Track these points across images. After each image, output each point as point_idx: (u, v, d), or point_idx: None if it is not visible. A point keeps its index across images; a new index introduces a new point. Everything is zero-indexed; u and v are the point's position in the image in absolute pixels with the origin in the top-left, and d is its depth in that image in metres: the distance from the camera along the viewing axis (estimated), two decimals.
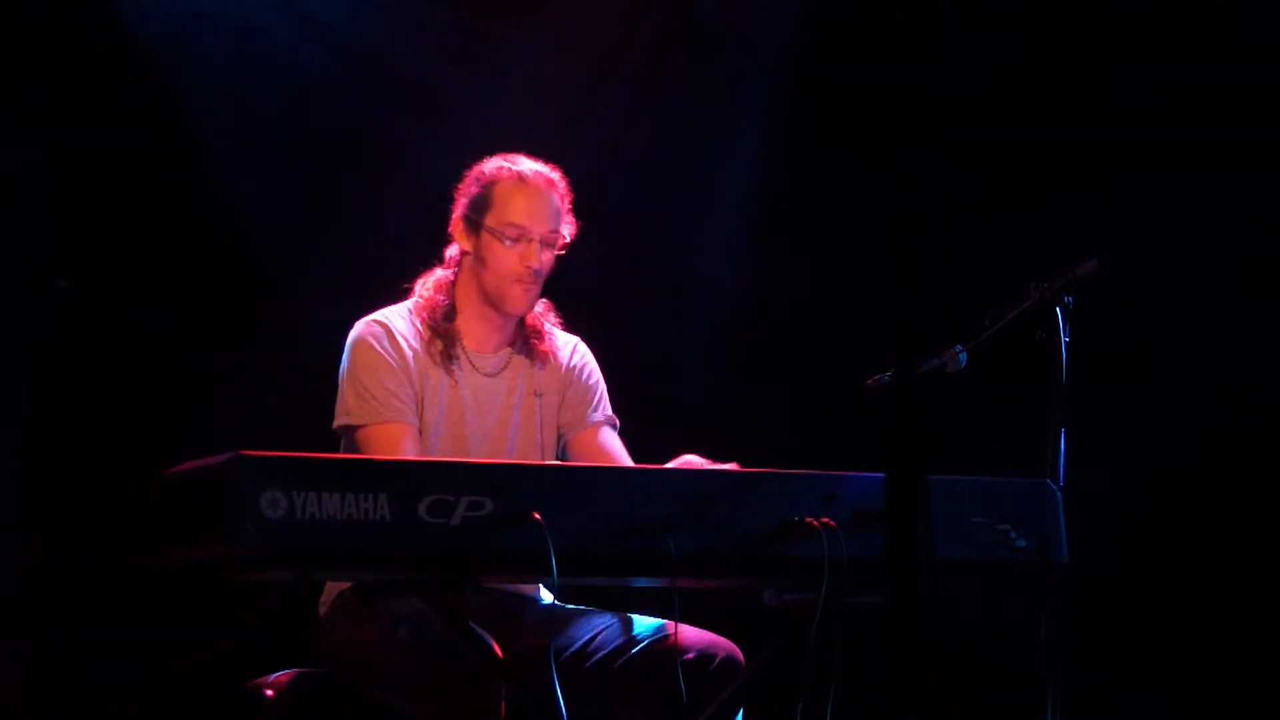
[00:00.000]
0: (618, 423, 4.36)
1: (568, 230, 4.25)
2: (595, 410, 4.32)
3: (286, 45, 5.60)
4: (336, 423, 4.17)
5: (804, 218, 5.89)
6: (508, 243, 4.18)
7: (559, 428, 4.31)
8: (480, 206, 4.21)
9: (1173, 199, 5.56)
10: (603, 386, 4.36)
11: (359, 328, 4.21)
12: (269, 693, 3.98)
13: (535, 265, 4.17)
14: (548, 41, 5.77)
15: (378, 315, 4.23)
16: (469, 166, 4.28)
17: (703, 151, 5.94)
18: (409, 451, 4.07)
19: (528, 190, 4.20)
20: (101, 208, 5.44)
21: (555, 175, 4.25)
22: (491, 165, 4.25)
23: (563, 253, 4.25)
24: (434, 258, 4.33)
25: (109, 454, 5.35)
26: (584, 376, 4.33)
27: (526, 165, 4.24)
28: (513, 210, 4.19)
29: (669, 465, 3.89)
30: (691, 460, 3.89)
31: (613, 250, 5.63)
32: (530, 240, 4.17)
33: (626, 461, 4.29)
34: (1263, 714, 5.56)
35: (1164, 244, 5.52)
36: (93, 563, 5.30)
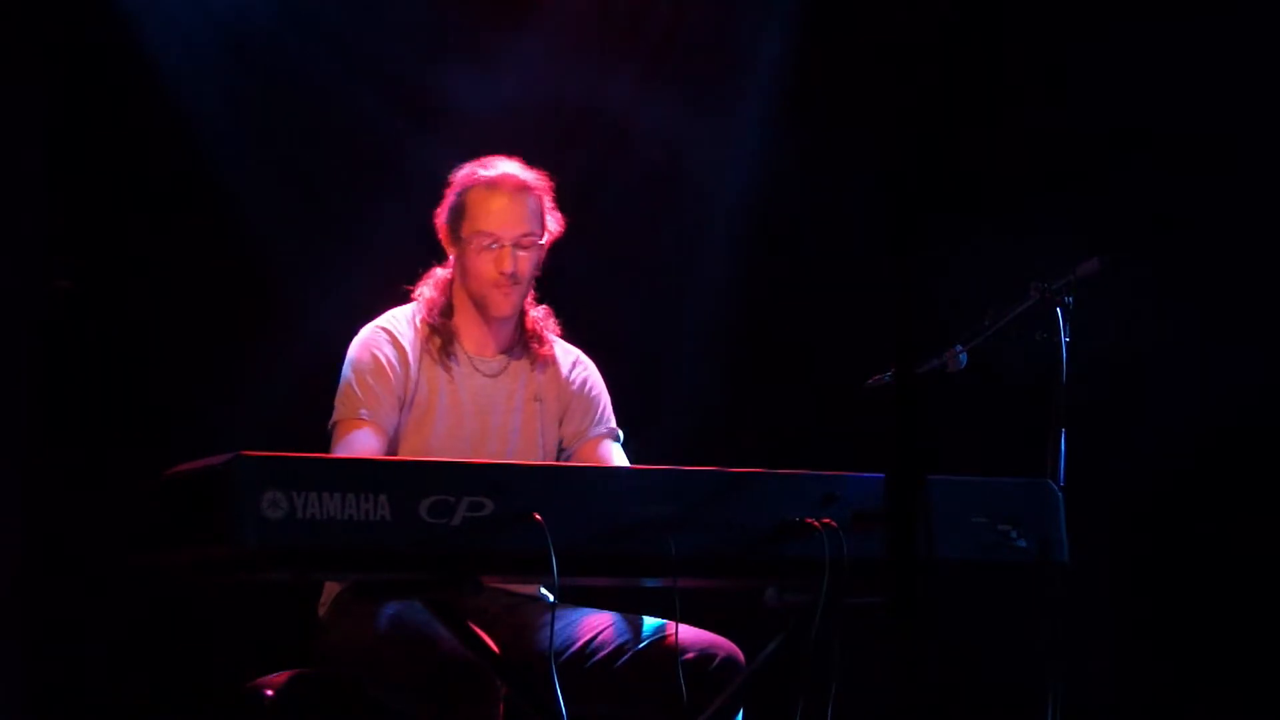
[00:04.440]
0: (620, 435, 4.37)
1: (551, 229, 4.26)
2: (598, 424, 4.33)
3: (288, 47, 5.60)
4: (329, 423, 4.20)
5: (803, 217, 5.89)
6: (482, 250, 4.20)
7: (561, 440, 4.32)
8: (457, 215, 4.24)
9: (1173, 199, 5.56)
10: (605, 399, 4.37)
11: (362, 334, 4.25)
12: (269, 693, 3.98)
13: (510, 270, 4.19)
14: (547, 40, 5.76)
15: (383, 321, 4.26)
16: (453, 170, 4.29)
17: (701, 150, 5.93)
18: (363, 448, 4.09)
19: (498, 196, 4.21)
20: (101, 208, 5.44)
21: (530, 176, 4.26)
22: (465, 172, 4.27)
23: (545, 250, 4.25)
24: (432, 258, 4.34)
25: (109, 454, 5.34)
26: (586, 390, 4.34)
27: (498, 169, 4.25)
28: (483, 218, 4.21)
29: None
30: None
31: (611, 250, 5.63)
32: (503, 246, 4.19)
33: None
34: (1263, 714, 5.56)
35: (1165, 244, 5.52)
36: (92, 563, 5.30)
